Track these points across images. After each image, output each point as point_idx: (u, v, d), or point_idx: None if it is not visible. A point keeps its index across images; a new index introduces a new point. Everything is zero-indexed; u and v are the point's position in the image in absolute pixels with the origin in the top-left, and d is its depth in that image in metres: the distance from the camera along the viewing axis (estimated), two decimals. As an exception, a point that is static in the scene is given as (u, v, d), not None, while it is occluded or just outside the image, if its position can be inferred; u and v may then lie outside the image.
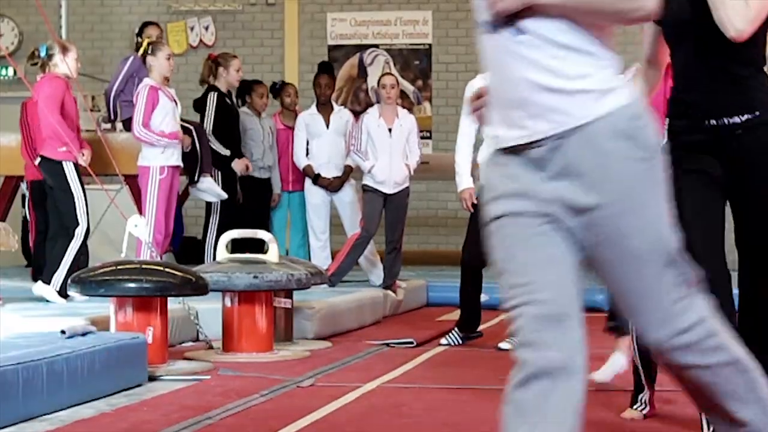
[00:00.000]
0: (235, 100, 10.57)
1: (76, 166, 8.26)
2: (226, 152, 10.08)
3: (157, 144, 8.84)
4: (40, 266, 9.05)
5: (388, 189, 9.86)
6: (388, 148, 9.85)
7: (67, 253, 8.22)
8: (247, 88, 10.65)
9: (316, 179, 10.52)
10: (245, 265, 7.21)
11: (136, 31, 11.08)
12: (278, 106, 11.13)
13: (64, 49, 8.33)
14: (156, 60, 8.97)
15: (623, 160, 2.75)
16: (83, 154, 8.24)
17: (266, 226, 9.96)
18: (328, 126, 10.52)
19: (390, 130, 9.89)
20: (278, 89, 11.05)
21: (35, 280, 8.86)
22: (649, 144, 2.80)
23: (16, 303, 8.02)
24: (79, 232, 8.23)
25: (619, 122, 2.76)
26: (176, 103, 9.10)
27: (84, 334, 5.81)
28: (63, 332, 5.76)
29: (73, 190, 8.25)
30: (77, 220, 8.22)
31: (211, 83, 10.30)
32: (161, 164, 8.91)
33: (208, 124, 10.06)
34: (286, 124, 10.91)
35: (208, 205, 10.21)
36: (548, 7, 2.74)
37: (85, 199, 8.29)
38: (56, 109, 8.16)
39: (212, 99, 10.13)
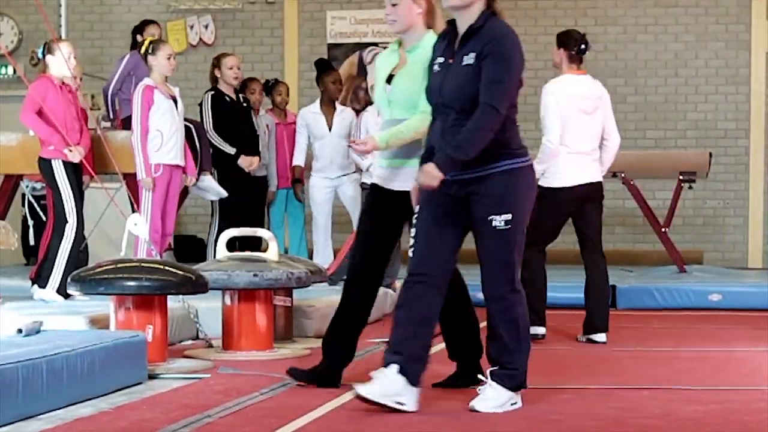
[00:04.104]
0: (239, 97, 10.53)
1: (69, 164, 8.28)
2: (231, 150, 10.06)
3: (141, 162, 8.86)
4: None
5: (386, 187, 9.84)
6: (385, 147, 9.83)
7: (59, 252, 8.24)
8: (242, 85, 10.63)
9: (296, 182, 10.69)
10: (245, 263, 7.19)
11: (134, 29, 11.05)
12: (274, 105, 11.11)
13: (50, 49, 8.40)
14: (156, 59, 8.95)
15: None
16: (71, 150, 8.24)
17: (261, 224, 9.95)
18: (330, 128, 10.51)
19: (387, 129, 9.87)
20: (271, 87, 11.03)
21: (34, 280, 8.85)
22: None
23: (16, 302, 8.02)
24: (69, 230, 8.25)
25: None
26: (175, 102, 9.06)
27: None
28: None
29: (61, 188, 8.28)
30: (66, 218, 8.26)
31: (213, 84, 10.32)
32: (156, 162, 8.90)
33: (208, 124, 10.05)
34: (278, 120, 10.89)
35: (212, 203, 10.22)
36: None
37: (78, 197, 8.30)
38: (29, 110, 8.25)
39: (206, 99, 10.16)
